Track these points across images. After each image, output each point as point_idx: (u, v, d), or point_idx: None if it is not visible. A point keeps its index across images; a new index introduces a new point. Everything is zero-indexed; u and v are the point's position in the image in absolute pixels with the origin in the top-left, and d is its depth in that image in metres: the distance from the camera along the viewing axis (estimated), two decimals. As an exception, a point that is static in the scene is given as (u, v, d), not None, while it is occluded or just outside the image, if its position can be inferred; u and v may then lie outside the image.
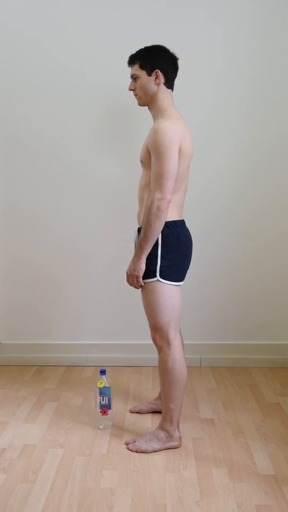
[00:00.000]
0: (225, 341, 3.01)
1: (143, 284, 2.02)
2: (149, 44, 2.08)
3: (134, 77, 2.08)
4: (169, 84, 2.07)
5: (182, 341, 2.17)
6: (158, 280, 1.99)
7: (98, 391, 2.23)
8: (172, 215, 2.01)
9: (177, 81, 2.12)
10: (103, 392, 2.23)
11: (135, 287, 2.05)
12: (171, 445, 2.09)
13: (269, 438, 2.18)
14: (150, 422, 2.33)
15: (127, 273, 2.04)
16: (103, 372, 2.25)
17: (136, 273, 1.99)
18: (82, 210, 2.91)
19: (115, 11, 2.69)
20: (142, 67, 2.04)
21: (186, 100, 2.48)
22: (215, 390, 2.68)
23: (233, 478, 1.89)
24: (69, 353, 3.04)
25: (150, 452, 2.06)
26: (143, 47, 2.08)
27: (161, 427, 2.11)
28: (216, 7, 2.68)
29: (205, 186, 2.84)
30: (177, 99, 2.11)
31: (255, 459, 2.01)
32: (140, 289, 2.06)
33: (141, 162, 2.07)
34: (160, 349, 2.07)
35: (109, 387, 2.23)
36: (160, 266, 1.99)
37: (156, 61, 2.03)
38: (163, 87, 2.05)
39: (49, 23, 2.72)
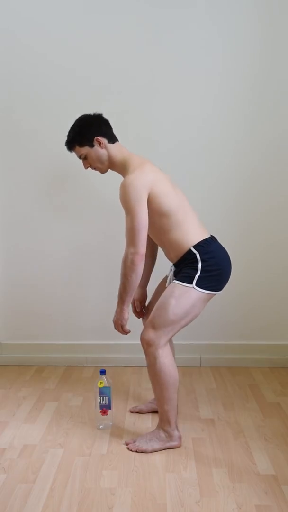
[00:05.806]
0: (225, 341, 3.01)
1: (128, 331, 2.11)
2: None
3: (83, 157, 2.13)
4: (112, 139, 2.12)
5: (172, 345, 2.19)
6: (193, 287, 2.01)
7: (98, 391, 2.23)
8: (197, 236, 2.05)
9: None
10: (103, 392, 2.23)
11: (122, 334, 2.14)
12: (171, 445, 2.09)
13: (269, 438, 2.18)
14: (150, 422, 2.33)
15: (113, 321, 2.12)
16: (103, 372, 2.25)
17: (120, 322, 2.09)
18: (82, 210, 2.91)
19: (115, 15, 2.68)
20: (82, 145, 2.10)
21: (188, 102, 2.49)
22: (215, 390, 2.68)
23: (233, 478, 1.89)
24: (69, 353, 3.04)
25: (150, 452, 2.06)
26: (69, 128, 2.13)
27: (161, 427, 2.11)
28: (217, 8, 2.68)
29: (207, 187, 2.84)
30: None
31: (255, 459, 2.01)
32: (167, 283, 2.13)
33: None
34: (147, 352, 2.03)
35: (109, 387, 2.23)
36: (199, 276, 2.01)
37: (90, 132, 2.08)
38: (109, 146, 2.10)
39: (49, 26, 2.72)
